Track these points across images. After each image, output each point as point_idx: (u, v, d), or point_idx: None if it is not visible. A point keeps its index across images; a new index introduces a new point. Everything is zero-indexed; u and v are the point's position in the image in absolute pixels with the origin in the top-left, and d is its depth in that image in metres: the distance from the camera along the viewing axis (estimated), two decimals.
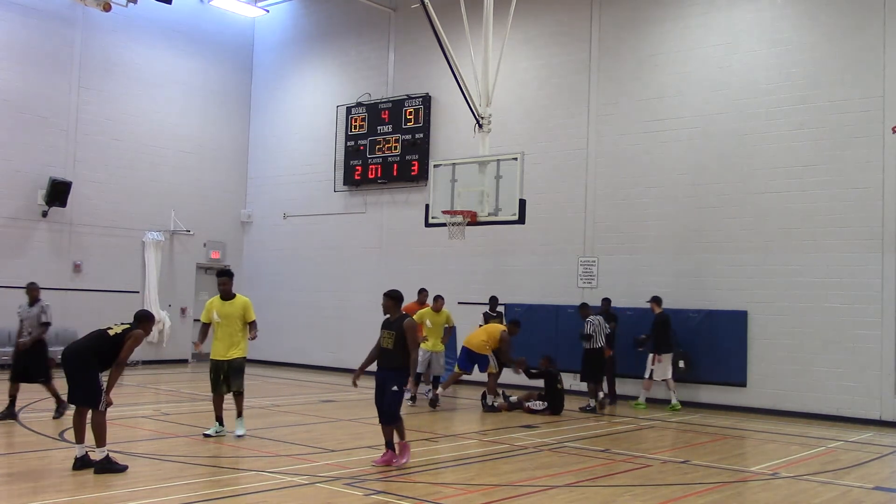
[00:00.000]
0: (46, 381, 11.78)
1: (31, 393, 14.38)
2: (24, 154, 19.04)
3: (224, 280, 10.61)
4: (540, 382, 14.51)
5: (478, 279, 18.33)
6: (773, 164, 15.14)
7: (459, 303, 17.79)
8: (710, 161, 15.84)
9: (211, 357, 10.60)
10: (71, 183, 19.34)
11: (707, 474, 9.32)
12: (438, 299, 15.09)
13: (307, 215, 22.05)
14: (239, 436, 10.41)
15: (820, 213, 14.64)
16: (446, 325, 15.05)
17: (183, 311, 21.81)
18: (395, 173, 20.13)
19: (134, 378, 17.56)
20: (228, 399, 10.75)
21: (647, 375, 15.29)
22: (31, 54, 19.28)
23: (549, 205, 17.43)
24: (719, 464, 9.97)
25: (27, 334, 11.77)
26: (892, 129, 14.00)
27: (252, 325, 10.66)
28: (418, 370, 14.61)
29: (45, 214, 19.26)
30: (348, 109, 21.21)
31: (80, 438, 8.36)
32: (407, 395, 14.64)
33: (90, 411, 8.31)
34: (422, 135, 19.75)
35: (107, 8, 18.29)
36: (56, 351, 18.68)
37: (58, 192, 19.05)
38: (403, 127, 20.07)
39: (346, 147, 21.16)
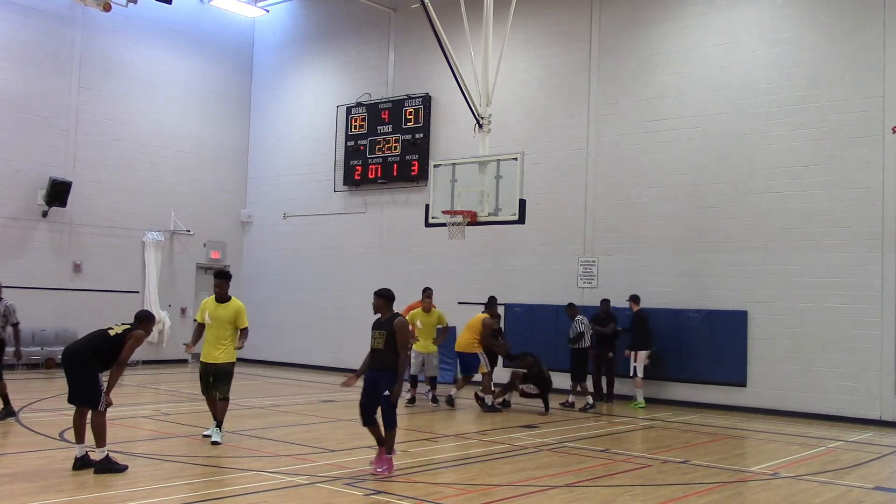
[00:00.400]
0: None
1: (31, 393, 14.40)
2: (24, 154, 19.04)
3: (220, 282, 10.26)
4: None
5: (478, 279, 18.32)
6: (773, 164, 15.14)
7: (459, 303, 17.81)
8: (710, 161, 15.85)
9: (201, 360, 10.25)
10: (71, 183, 19.34)
11: (707, 474, 9.33)
12: (426, 294, 14.82)
13: (307, 215, 22.05)
14: (215, 442, 9.99)
15: (820, 213, 14.64)
16: (440, 326, 14.85)
17: (183, 311, 21.81)
18: (395, 173, 20.13)
19: (134, 378, 17.56)
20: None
21: (631, 374, 15.52)
22: (31, 54, 19.28)
23: (549, 205, 17.43)
24: (719, 464, 9.97)
25: None
26: (892, 129, 14.00)
27: (243, 333, 10.22)
28: (413, 372, 14.55)
29: (45, 214, 19.27)
30: (348, 109, 21.22)
31: (80, 438, 8.36)
32: (408, 397, 14.68)
33: (90, 411, 8.31)
34: (422, 135, 19.75)
35: (107, 8, 18.30)
36: (56, 351, 18.89)
37: (58, 192, 19.05)
38: (403, 127, 20.07)
39: (346, 147, 21.16)
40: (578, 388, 15.05)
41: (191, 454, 9.43)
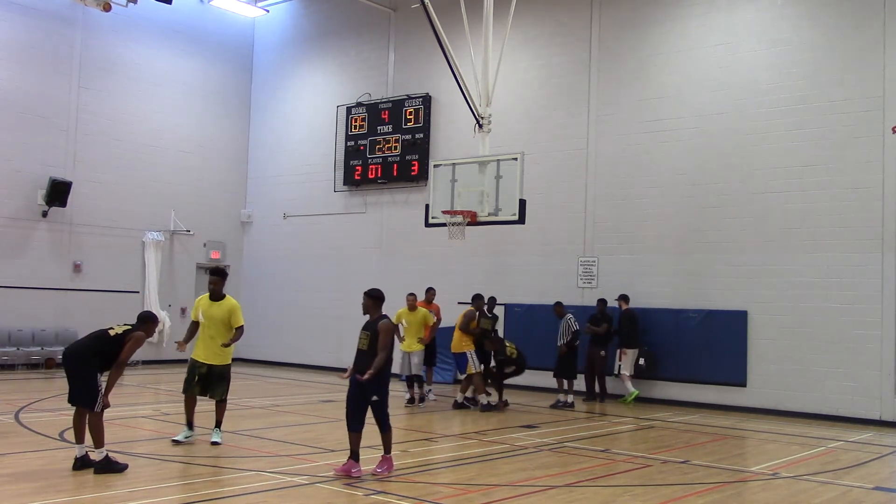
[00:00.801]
0: None
1: (31, 393, 14.41)
2: (24, 154, 19.04)
3: (215, 280, 10.08)
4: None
5: (478, 279, 18.30)
6: (773, 164, 15.14)
7: (459, 303, 17.75)
8: (710, 161, 15.84)
9: (192, 356, 10.09)
10: (71, 183, 19.34)
11: (707, 474, 9.32)
12: (411, 297, 14.64)
13: (307, 215, 22.05)
14: (214, 442, 9.90)
15: (820, 213, 14.64)
16: (428, 324, 14.54)
17: (183, 311, 21.79)
18: (395, 173, 20.13)
19: (134, 378, 17.56)
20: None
21: (616, 372, 15.78)
22: (31, 54, 19.29)
23: (549, 205, 17.43)
24: (719, 464, 9.96)
25: None
26: (892, 129, 14.00)
27: (237, 332, 10.02)
28: (398, 371, 14.33)
29: (45, 214, 19.27)
30: (348, 109, 21.22)
31: (79, 438, 8.35)
32: (406, 397, 14.65)
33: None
34: (422, 135, 19.75)
35: (107, 8, 18.31)
36: (56, 351, 18.91)
37: (58, 192, 19.05)
38: (403, 127, 20.08)
39: (346, 147, 21.16)
40: (565, 387, 15.01)
41: (191, 454, 9.42)
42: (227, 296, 10.22)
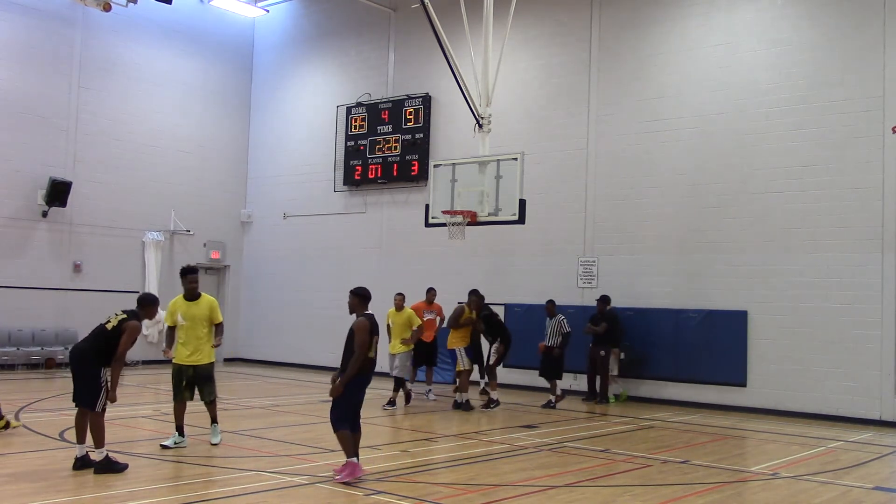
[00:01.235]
0: None
1: (31, 393, 14.40)
2: (24, 154, 19.05)
3: (193, 278, 9.81)
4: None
5: (478, 279, 18.27)
6: (773, 164, 15.14)
7: (459, 302, 17.72)
8: (710, 161, 15.84)
9: (174, 361, 9.82)
10: (71, 183, 19.35)
11: (707, 474, 9.32)
12: (398, 296, 14.47)
13: (307, 215, 22.05)
14: (215, 444, 9.82)
15: (820, 213, 14.63)
16: (412, 325, 14.32)
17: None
18: (395, 173, 20.13)
19: (134, 378, 17.56)
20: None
21: (612, 372, 15.90)
22: (31, 54, 19.29)
23: (549, 205, 17.43)
24: (719, 464, 9.96)
25: None
26: (892, 129, 14.00)
27: (218, 329, 9.89)
28: (397, 374, 14.23)
29: (45, 214, 19.27)
30: (348, 109, 21.22)
31: (81, 438, 8.36)
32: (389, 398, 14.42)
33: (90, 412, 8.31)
34: (422, 135, 19.75)
35: (107, 8, 18.31)
36: (56, 351, 18.92)
37: (58, 192, 19.05)
38: (403, 127, 20.08)
39: (346, 147, 21.16)
40: (554, 386, 15.04)
41: (191, 454, 9.42)
42: (203, 293, 9.98)
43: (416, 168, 19.66)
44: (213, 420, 10.08)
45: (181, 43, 22.01)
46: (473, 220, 13.67)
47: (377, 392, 13.94)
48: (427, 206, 14.48)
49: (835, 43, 14.77)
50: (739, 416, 14.53)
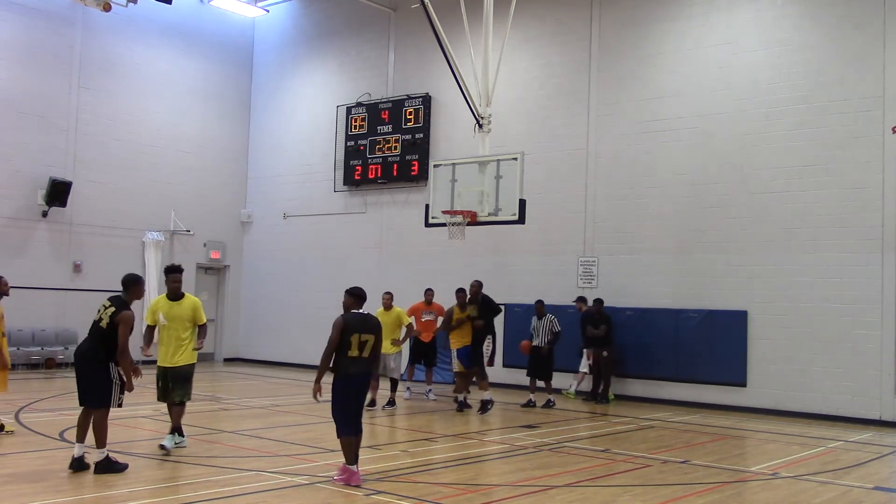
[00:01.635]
0: None
1: (31, 393, 14.40)
2: (24, 154, 19.04)
3: (177, 277, 9.58)
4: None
5: (478, 279, 18.27)
6: (773, 164, 15.14)
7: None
8: (710, 161, 15.84)
9: (158, 364, 9.76)
10: (71, 183, 19.34)
11: (707, 474, 9.32)
12: (386, 295, 14.30)
13: (307, 215, 22.04)
14: (164, 446, 9.37)
15: (820, 213, 14.63)
16: (402, 325, 14.18)
17: None
18: (395, 173, 20.13)
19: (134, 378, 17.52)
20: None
21: (583, 370, 16.10)
22: (31, 54, 19.28)
23: (549, 205, 17.42)
24: (719, 464, 9.96)
25: None
26: (892, 129, 14.00)
27: (201, 330, 9.72)
28: (391, 375, 14.15)
29: (45, 214, 19.27)
30: (348, 109, 21.22)
31: (81, 437, 8.36)
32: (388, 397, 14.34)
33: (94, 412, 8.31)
34: (422, 135, 19.75)
35: (107, 8, 18.31)
36: (56, 351, 18.92)
37: (58, 192, 19.05)
38: (403, 127, 20.07)
39: (346, 147, 21.16)
40: (549, 385, 15.08)
41: (191, 454, 9.42)
42: (186, 293, 9.85)
43: (416, 168, 19.66)
44: (175, 429, 9.64)
45: (181, 43, 22.01)
46: (473, 220, 13.66)
47: (377, 392, 13.95)
48: (427, 206, 14.47)
49: (835, 43, 14.76)
50: (739, 416, 14.52)
